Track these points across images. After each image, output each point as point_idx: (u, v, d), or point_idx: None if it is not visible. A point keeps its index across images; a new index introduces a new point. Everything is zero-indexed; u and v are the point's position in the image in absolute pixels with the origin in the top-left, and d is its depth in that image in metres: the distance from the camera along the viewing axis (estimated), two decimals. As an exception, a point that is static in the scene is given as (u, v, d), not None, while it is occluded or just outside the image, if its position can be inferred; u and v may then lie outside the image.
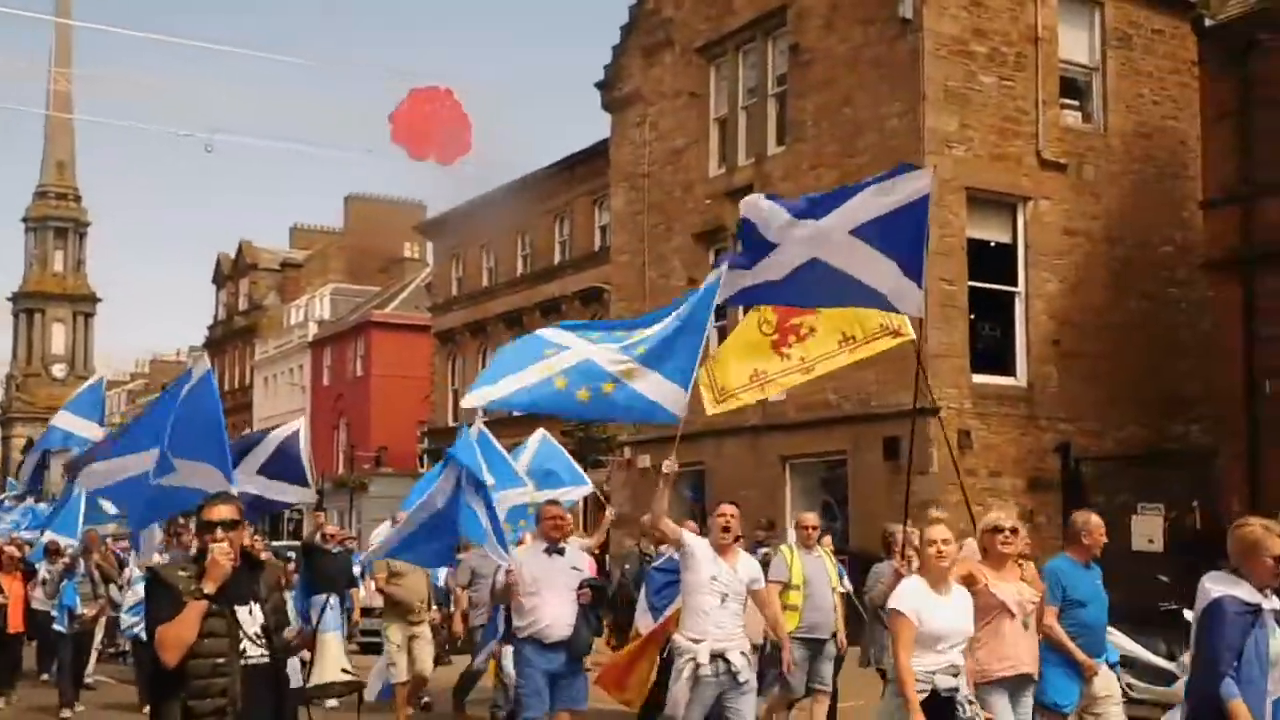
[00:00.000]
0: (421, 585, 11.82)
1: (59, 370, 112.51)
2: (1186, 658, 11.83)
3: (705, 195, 23.65)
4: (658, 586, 9.97)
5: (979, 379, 19.39)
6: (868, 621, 10.94)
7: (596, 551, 10.98)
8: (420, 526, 9.31)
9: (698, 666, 7.47)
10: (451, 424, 36.91)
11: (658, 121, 25.18)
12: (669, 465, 7.49)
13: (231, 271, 65.31)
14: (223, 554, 5.05)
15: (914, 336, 8.74)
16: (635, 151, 25.77)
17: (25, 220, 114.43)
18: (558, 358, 7.85)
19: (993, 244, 19.92)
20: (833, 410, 20.02)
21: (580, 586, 8.74)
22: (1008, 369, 19.86)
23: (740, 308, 10.20)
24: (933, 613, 6.19)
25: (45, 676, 15.69)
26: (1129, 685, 10.65)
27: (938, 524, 6.68)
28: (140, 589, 13.61)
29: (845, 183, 20.44)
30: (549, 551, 8.81)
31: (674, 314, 7.85)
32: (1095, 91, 21.07)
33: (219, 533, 5.12)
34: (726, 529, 7.73)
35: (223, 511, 5.19)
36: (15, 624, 14.65)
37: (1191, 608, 13.61)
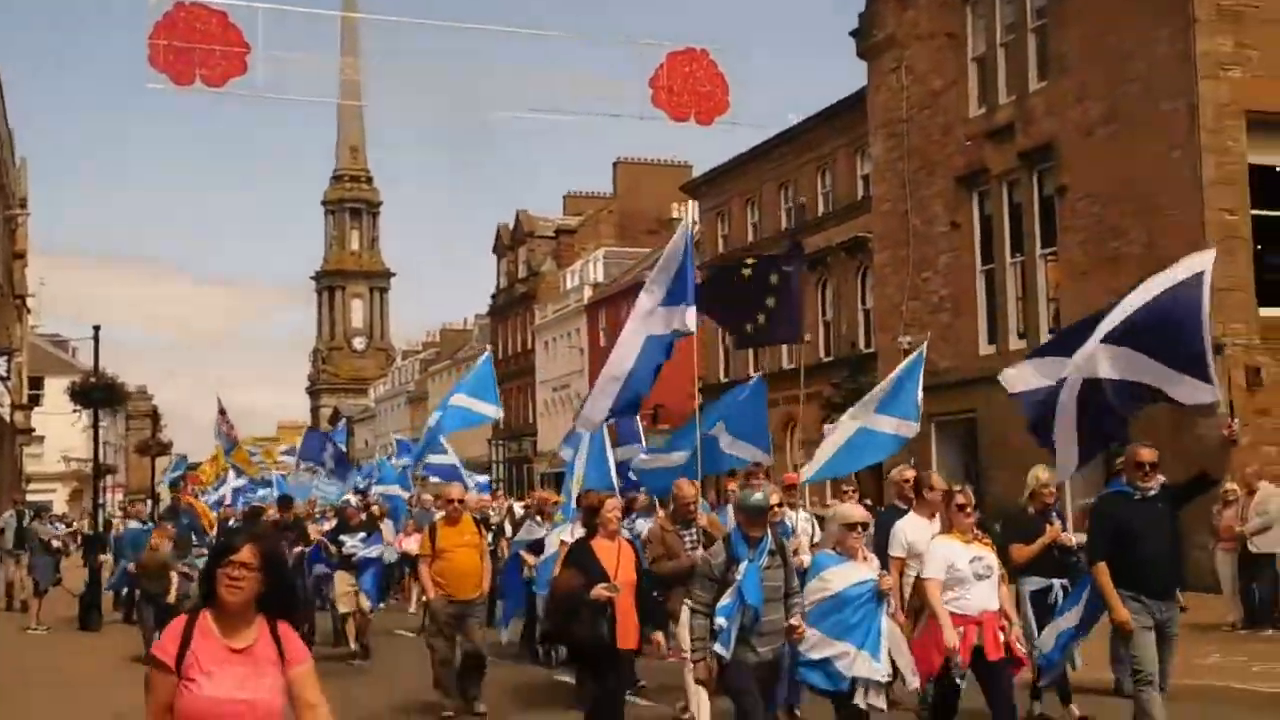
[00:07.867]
0: None
1: (359, 343, 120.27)
2: None
3: (965, 136, 23.22)
4: None
5: (1267, 312, 18.38)
6: None
7: None
8: None
9: None
10: (724, 379, 37.55)
11: (914, 65, 24.81)
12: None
13: (510, 241, 68.09)
14: None
15: None
16: (892, 97, 25.48)
17: (324, 203, 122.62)
18: None
19: (1278, 168, 18.79)
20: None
21: None
22: (1300, 299, 18.73)
23: None
24: None
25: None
26: None
27: None
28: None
29: (1115, 113, 19.86)
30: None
31: None
32: (1393, -5, 19.46)
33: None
34: None
35: None
36: (628, 636, 8.20)
37: None
